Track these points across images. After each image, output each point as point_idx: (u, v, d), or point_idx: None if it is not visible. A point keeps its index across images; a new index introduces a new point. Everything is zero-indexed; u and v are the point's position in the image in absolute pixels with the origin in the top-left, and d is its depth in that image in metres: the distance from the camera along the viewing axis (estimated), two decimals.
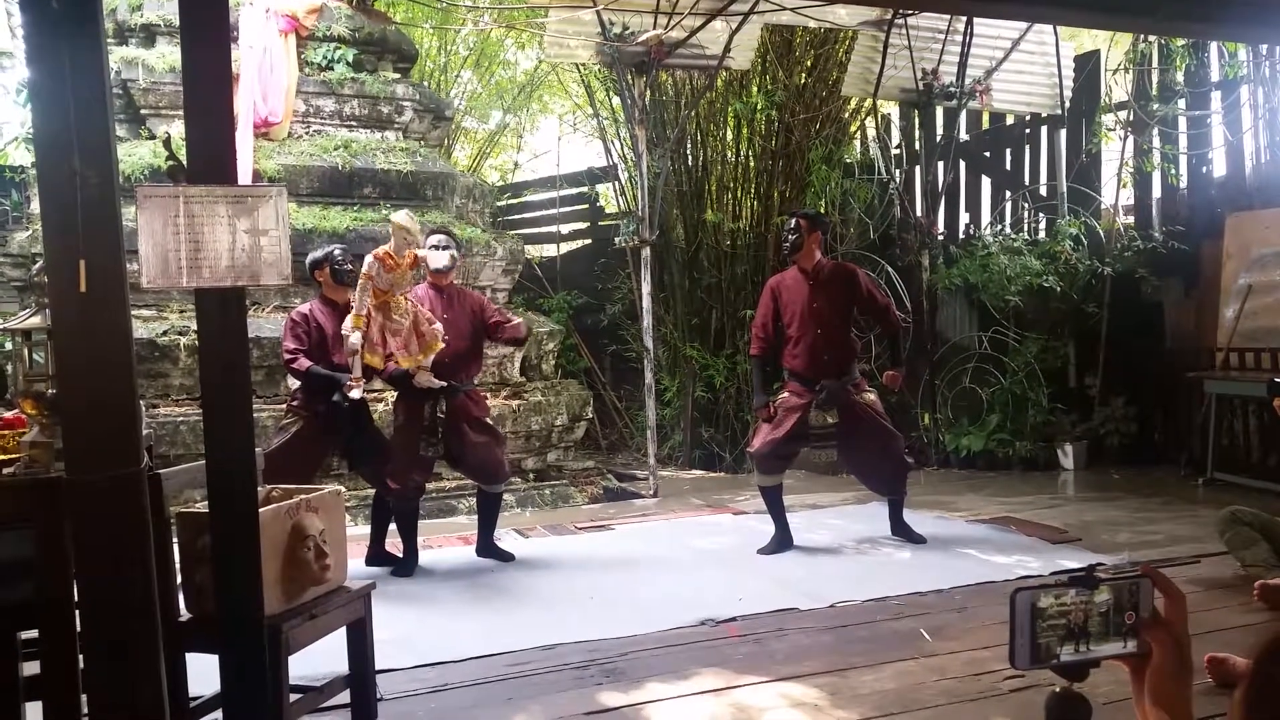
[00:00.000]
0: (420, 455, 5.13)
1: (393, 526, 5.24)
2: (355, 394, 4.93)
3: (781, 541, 5.41)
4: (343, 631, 3.06)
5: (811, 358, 5.36)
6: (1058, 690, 1.19)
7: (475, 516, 5.64)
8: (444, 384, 5.05)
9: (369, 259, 4.89)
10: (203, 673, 2.73)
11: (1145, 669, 1.16)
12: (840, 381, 5.35)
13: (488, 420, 5.43)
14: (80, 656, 2.38)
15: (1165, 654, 1.15)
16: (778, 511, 5.47)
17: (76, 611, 2.38)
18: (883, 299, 5.68)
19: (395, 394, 5.40)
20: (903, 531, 5.54)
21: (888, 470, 5.51)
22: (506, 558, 5.31)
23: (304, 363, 5.00)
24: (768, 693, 3.42)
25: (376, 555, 5.22)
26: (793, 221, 5.52)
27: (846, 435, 5.41)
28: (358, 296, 4.90)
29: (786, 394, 5.46)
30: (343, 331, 4.93)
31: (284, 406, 5.49)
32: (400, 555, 5.18)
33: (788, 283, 5.51)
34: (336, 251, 5.17)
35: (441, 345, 5.01)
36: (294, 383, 5.37)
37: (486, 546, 5.39)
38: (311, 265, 5.19)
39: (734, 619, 4.21)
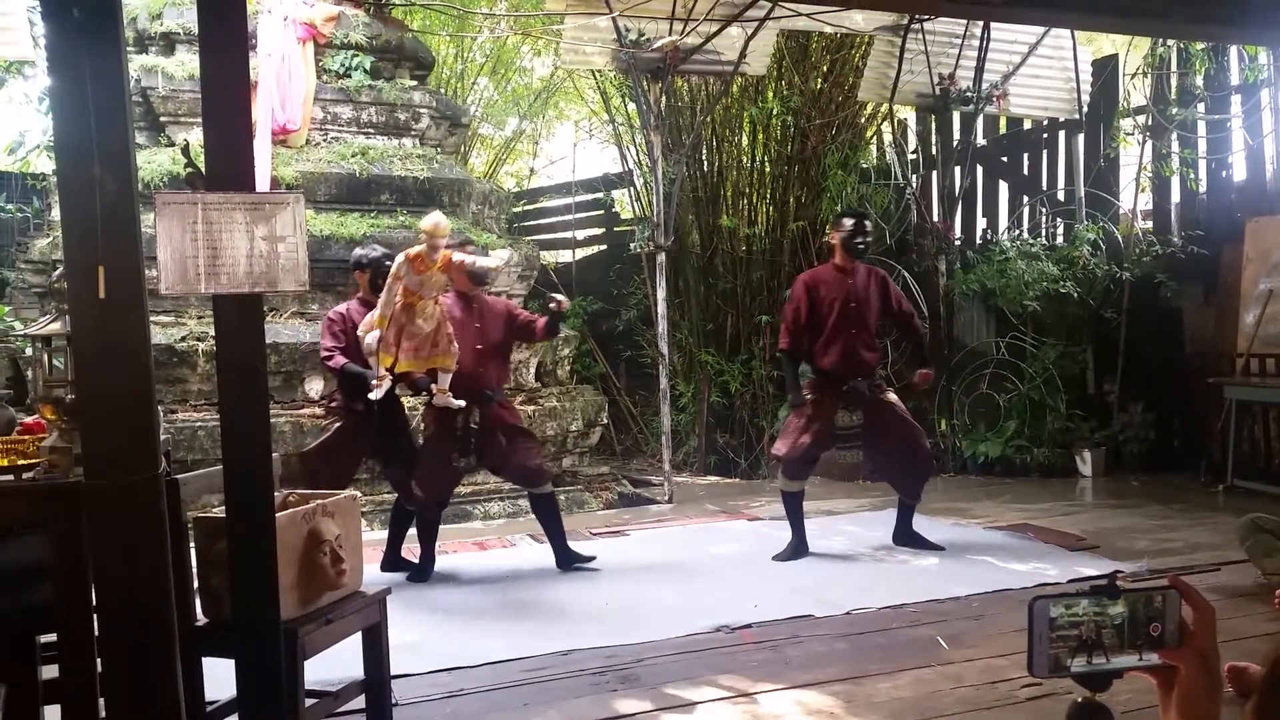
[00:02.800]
0: (452, 467, 5.10)
1: (410, 532, 5.25)
2: (376, 394, 4.89)
3: (797, 548, 5.39)
4: (358, 636, 3.07)
5: (845, 356, 5.32)
6: (1080, 700, 1.18)
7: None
8: (462, 403, 4.98)
9: (399, 258, 4.85)
10: (219, 677, 2.74)
11: (1172, 681, 1.15)
12: (867, 381, 5.35)
13: (522, 425, 5.40)
14: (98, 660, 2.40)
15: (1193, 669, 1.13)
16: (797, 518, 5.44)
17: (95, 616, 2.40)
18: (909, 307, 5.70)
19: (427, 402, 5.32)
20: (913, 540, 5.49)
21: (916, 466, 5.46)
22: (588, 560, 5.23)
23: (339, 360, 5.01)
24: (783, 700, 3.41)
25: (392, 561, 5.23)
26: (863, 222, 5.44)
27: (872, 434, 5.39)
28: (383, 296, 4.85)
29: (812, 395, 5.38)
30: (359, 331, 4.91)
31: (322, 408, 5.49)
32: (416, 561, 5.18)
33: (824, 279, 5.44)
34: (385, 260, 5.08)
35: (454, 364, 4.94)
36: (330, 384, 5.38)
37: (565, 554, 5.23)
38: (355, 264, 5.17)
39: (749, 626, 4.20)
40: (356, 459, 5.26)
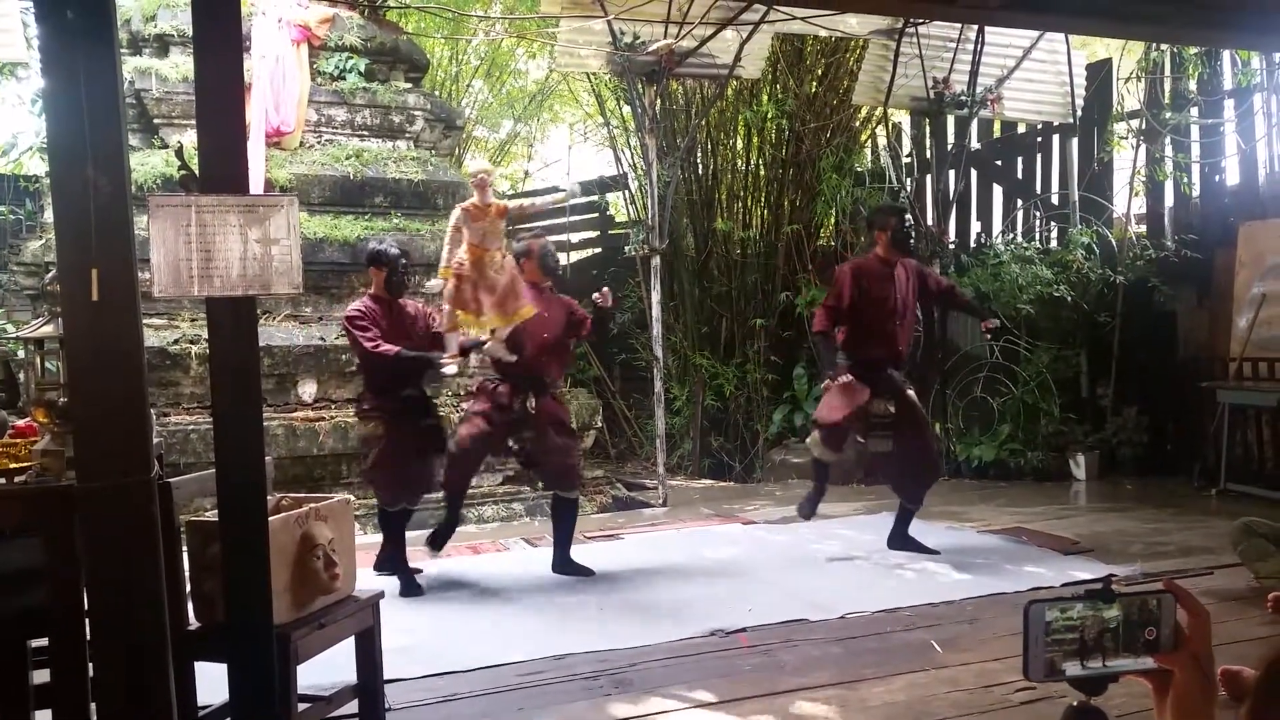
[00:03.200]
0: (506, 446, 5.02)
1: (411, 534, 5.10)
2: (450, 369, 4.75)
3: (815, 503, 5.51)
4: (351, 640, 3.06)
5: (889, 345, 5.39)
6: (1075, 704, 1.18)
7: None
8: (515, 357, 4.84)
9: (456, 210, 4.77)
10: (211, 682, 2.73)
11: (1168, 685, 1.14)
12: (899, 372, 5.44)
13: (569, 424, 5.31)
14: (90, 665, 2.39)
15: (1188, 673, 1.13)
16: (822, 480, 5.53)
17: (86, 620, 2.39)
18: (945, 280, 5.87)
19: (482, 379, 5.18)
20: (908, 544, 5.47)
21: (924, 470, 5.48)
22: (586, 573, 5.08)
23: (388, 346, 4.74)
24: (778, 704, 3.40)
25: (388, 562, 5.05)
26: (905, 215, 5.55)
27: (898, 426, 5.39)
28: (446, 248, 4.77)
29: (850, 377, 5.34)
30: (428, 285, 4.86)
31: (356, 416, 5.17)
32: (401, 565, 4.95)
33: (869, 270, 5.44)
34: (401, 259, 4.96)
35: (531, 313, 4.83)
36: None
37: (564, 562, 5.14)
38: (372, 259, 4.98)
39: (743, 630, 4.20)
40: (409, 460, 4.96)
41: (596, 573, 5.12)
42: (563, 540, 5.19)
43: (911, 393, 5.50)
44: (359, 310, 4.88)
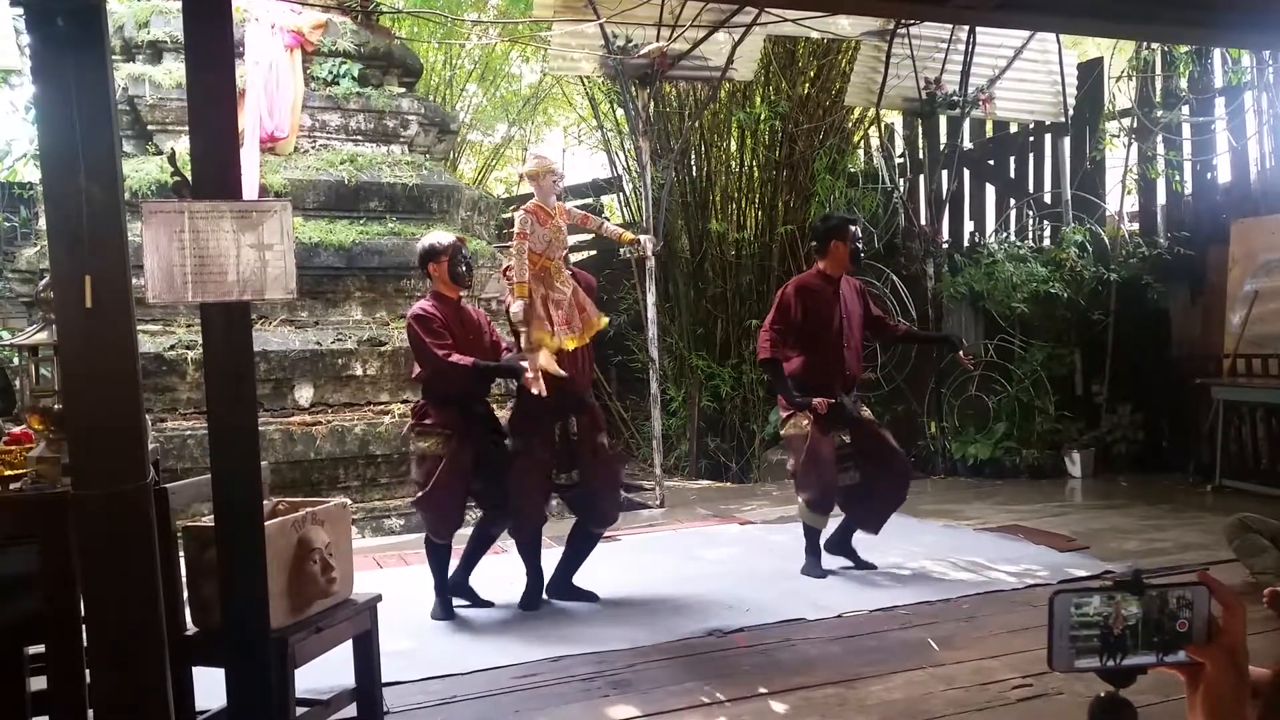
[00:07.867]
0: (549, 481, 4.54)
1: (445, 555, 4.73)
2: (539, 388, 4.21)
3: (818, 563, 5.12)
4: (349, 644, 3.07)
5: (836, 370, 5.04)
6: (1103, 695, 1.17)
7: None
8: (565, 373, 4.32)
9: (520, 214, 4.30)
10: (209, 686, 2.74)
11: (1199, 679, 1.13)
12: (852, 397, 5.13)
13: (609, 448, 4.74)
14: (87, 671, 2.39)
15: (1220, 667, 1.12)
16: (816, 540, 5.14)
17: (83, 626, 2.39)
18: (878, 310, 5.48)
19: (516, 409, 4.65)
20: (848, 553, 5.24)
21: (893, 495, 5.09)
22: (591, 598, 4.70)
23: (461, 357, 4.25)
24: (776, 704, 3.41)
25: (459, 586, 4.76)
26: (858, 228, 5.19)
27: (860, 457, 5.06)
28: (515, 260, 4.29)
29: (807, 421, 4.95)
30: (513, 311, 4.31)
31: (409, 427, 4.62)
32: (481, 598, 4.73)
33: (814, 288, 5.08)
34: (460, 245, 4.49)
35: (604, 323, 4.45)
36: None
37: (567, 587, 4.74)
38: (426, 256, 4.49)
39: (741, 630, 4.20)
40: (470, 478, 4.50)
41: (598, 583, 4.86)
42: (573, 565, 4.79)
43: (867, 412, 5.17)
44: (426, 314, 4.36)
